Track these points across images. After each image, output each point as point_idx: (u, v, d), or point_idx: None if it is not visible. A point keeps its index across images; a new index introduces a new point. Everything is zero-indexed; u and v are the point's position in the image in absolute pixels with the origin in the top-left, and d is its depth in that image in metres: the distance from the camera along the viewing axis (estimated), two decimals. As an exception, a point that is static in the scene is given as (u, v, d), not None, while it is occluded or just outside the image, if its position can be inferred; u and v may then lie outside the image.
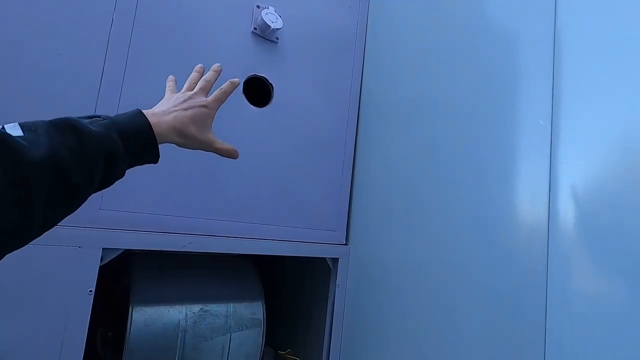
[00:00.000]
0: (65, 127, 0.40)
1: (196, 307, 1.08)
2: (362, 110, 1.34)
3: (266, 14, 1.08)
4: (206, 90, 0.61)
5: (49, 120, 0.41)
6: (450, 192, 0.97)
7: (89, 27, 0.87)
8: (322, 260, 1.23)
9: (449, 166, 0.99)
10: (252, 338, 1.15)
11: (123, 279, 1.12)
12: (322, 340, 1.20)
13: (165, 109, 0.55)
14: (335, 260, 1.24)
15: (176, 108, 0.56)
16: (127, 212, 0.90)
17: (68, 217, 0.86)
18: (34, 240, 0.78)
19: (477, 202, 0.91)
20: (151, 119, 0.50)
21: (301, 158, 1.21)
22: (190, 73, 1.00)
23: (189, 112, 0.56)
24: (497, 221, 0.87)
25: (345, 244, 1.27)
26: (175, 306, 1.05)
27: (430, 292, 0.97)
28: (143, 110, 0.51)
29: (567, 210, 0.78)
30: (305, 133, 1.22)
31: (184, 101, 0.57)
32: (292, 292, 1.42)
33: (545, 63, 0.84)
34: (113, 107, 0.89)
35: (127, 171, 0.96)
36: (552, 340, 0.74)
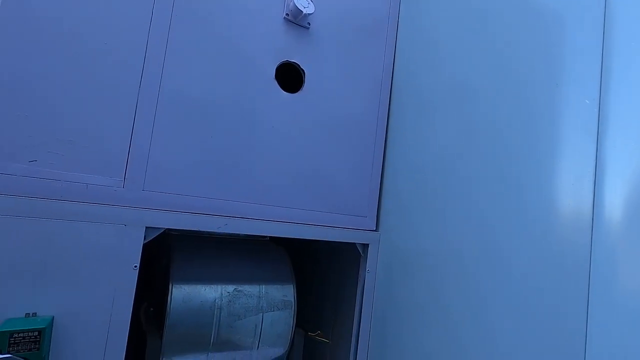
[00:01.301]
0: None
1: (230, 287, 1.12)
2: (394, 93, 1.32)
3: (298, -1, 1.08)
4: None
5: None
6: (488, 175, 0.95)
7: (132, 17, 0.91)
8: (352, 245, 1.24)
9: (487, 148, 0.96)
10: (284, 319, 1.18)
11: (162, 258, 1.19)
12: (351, 324, 1.21)
13: None
14: (365, 246, 1.24)
15: None
16: (168, 194, 0.94)
17: (115, 196, 0.91)
18: (86, 217, 0.83)
19: (518, 186, 0.88)
20: None
21: (333, 143, 1.21)
22: (224, 59, 1.03)
23: None
24: (538, 206, 0.83)
25: (375, 230, 1.27)
26: (211, 285, 1.10)
27: (464, 280, 0.96)
28: None
29: (614, 195, 0.73)
30: (336, 118, 1.22)
31: None
32: (321, 276, 1.44)
33: (593, 39, 0.79)
34: (154, 90, 0.93)
35: (167, 154, 1.00)
36: (594, 339, 0.70)
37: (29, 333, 0.69)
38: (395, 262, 1.19)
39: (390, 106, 1.32)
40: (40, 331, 0.70)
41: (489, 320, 0.88)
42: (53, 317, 0.76)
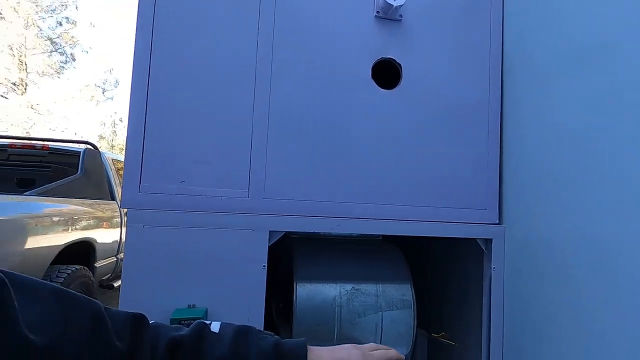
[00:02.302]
0: (244, 336, 0.52)
1: (348, 286, 1.16)
2: (507, 72, 1.18)
3: (387, -6, 1.07)
4: (384, 358, 0.64)
5: (238, 326, 0.53)
6: (637, 150, 0.76)
7: (243, 43, 1.04)
8: (473, 241, 1.14)
9: (633, 118, 0.77)
10: (404, 318, 1.16)
11: (284, 259, 1.30)
12: (479, 326, 1.11)
13: (334, 351, 0.60)
14: (488, 242, 1.13)
15: (343, 354, 0.60)
16: (285, 200, 1.04)
17: (243, 205, 1.04)
18: (222, 225, 0.97)
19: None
20: (312, 354, 0.56)
21: (440, 134, 1.15)
22: (321, 69, 1.08)
23: None
24: None
25: (498, 224, 1.15)
26: (330, 284, 1.16)
27: (616, 281, 0.78)
28: (311, 347, 0.57)
29: None
30: (441, 107, 1.15)
31: (354, 353, 0.61)
32: (441, 274, 1.37)
33: None
34: (265, 109, 1.04)
35: (281, 164, 1.09)
36: None
37: (191, 320, 0.84)
38: (526, 257, 1.05)
39: (503, 87, 1.18)
40: (198, 319, 0.85)
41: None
42: (207, 308, 0.91)
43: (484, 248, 1.14)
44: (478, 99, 1.18)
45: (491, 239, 1.12)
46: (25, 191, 2.84)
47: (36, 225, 2.50)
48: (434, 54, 1.16)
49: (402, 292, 1.18)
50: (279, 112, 1.05)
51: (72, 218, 2.94)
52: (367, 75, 1.11)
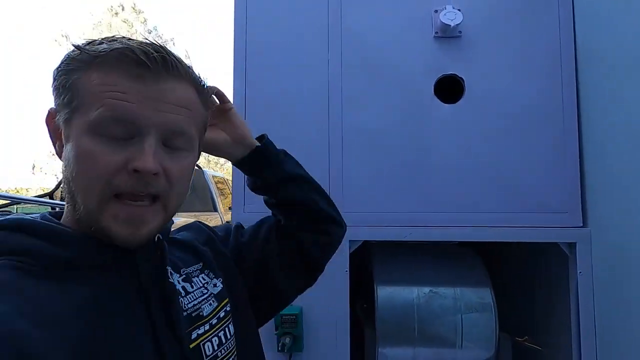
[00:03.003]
0: None
1: (426, 289, 1.25)
2: (582, 65, 1.14)
3: (444, 14, 1.14)
4: None
5: None
6: None
7: (316, 74, 1.21)
8: (554, 245, 1.13)
9: None
10: (484, 321, 1.19)
11: (367, 264, 1.44)
12: (566, 332, 1.09)
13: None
14: (571, 245, 1.11)
15: None
16: (362, 213, 1.17)
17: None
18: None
19: None
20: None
21: (511, 140, 1.17)
22: (388, 90, 1.19)
23: None
24: None
25: (582, 227, 1.11)
26: (408, 287, 1.25)
27: None
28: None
29: None
30: (509, 113, 1.17)
31: None
32: (524, 279, 1.35)
33: None
34: (339, 130, 1.19)
35: (356, 179, 1.22)
36: None
37: (290, 316, 1.03)
38: (617, 262, 1.00)
39: (578, 80, 1.15)
40: (295, 315, 1.03)
41: None
42: (302, 307, 1.10)
43: (567, 252, 1.11)
44: (549, 98, 1.16)
45: (575, 243, 1.10)
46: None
47: (162, 236, 3.07)
48: (496, 63, 1.18)
49: (480, 295, 1.22)
50: (351, 136, 1.20)
51: (187, 229, 3.51)
52: (430, 93, 1.19)
